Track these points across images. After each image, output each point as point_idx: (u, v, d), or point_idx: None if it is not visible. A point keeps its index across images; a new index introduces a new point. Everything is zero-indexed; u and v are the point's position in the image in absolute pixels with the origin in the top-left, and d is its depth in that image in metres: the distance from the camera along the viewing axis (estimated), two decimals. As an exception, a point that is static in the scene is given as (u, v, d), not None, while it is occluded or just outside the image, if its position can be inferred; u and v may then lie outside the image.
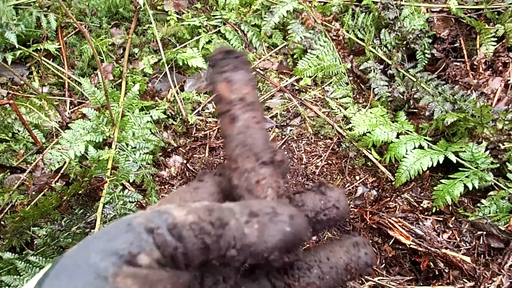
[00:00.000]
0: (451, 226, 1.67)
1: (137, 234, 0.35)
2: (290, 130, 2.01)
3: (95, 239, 0.35)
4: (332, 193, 0.47)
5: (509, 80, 1.95)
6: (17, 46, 2.00)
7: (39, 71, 2.13)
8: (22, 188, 1.73)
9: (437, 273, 1.55)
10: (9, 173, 1.78)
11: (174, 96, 2.02)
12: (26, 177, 1.75)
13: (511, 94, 1.93)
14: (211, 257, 0.37)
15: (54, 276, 0.34)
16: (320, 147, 1.96)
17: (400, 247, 1.63)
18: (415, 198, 1.78)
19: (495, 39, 2.00)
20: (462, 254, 1.57)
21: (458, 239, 1.64)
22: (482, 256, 1.58)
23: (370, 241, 1.69)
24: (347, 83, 2.10)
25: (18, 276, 1.40)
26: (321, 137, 1.99)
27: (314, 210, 0.46)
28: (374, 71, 2.06)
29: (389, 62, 2.05)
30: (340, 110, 2.03)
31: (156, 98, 2.06)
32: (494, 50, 1.99)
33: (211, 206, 0.38)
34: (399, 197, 1.77)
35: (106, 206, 1.60)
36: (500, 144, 1.73)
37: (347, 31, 2.16)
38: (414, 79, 1.97)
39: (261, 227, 0.39)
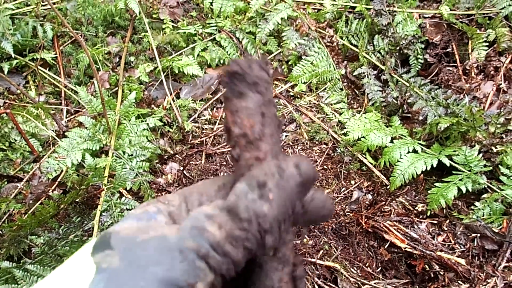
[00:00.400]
0: (445, 229, 1.69)
1: (191, 262, 0.35)
2: (286, 135, 2.03)
3: (149, 265, 0.35)
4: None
5: (500, 84, 1.97)
6: (13, 55, 2.01)
7: (36, 80, 2.14)
8: (19, 197, 1.74)
9: (432, 275, 1.57)
10: (6, 182, 1.79)
11: (170, 103, 2.04)
12: (23, 186, 1.76)
13: (503, 98, 1.95)
14: (254, 252, 0.38)
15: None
16: (316, 152, 1.97)
17: (396, 250, 1.65)
18: (410, 201, 1.79)
19: (487, 44, 2.03)
20: (457, 256, 1.58)
21: (453, 241, 1.65)
22: (476, 258, 1.60)
23: (366, 245, 1.70)
24: (341, 89, 2.12)
25: (16, 285, 1.40)
26: (316, 142, 2.00)
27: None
28: (368, 77, 2.08)
29: (383, 67, 2.07)
30: (335, 116, 2.05)
31: (153, 105, 2.07)
32: (485, 55, 2.02)
33: (227, 207, 0.38)
34: (394, 201, 1.79)
35: (103, 213, 1.61)
36: (493, 147, 1.75)
37: (341, 38, 2.18)
38: (408, 84, 2.00)
39: (276, 195, 0.38)
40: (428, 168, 1.72)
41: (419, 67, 2.08)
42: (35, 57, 2.11)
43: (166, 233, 0.37)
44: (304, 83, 2.14)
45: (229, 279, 0.38)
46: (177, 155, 1.96)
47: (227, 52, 2.19)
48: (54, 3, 2.21)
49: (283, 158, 0.42)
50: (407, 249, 1.60)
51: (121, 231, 0.38)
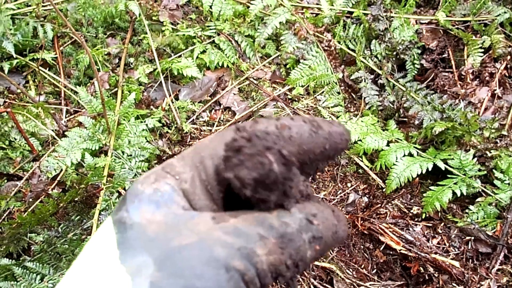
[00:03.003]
0: (440, 231, 1.71)
1: (237, 284, 0.33)
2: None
3: (193, 279, 0.32)
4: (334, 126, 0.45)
5: (495, 90, 2.01)
6: (14, 55, 2.02)
7: (36, 80, 2.15)
8: (19, 195, 1.75)
9: (427, 277, 1.59)
10: (6, 181, 1.80)
11: (169, 105, 2.06)
12: (23, 184, 1.77)
13: (498, 104, 1.98)
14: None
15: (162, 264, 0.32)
16: (313, 155, 1.99)
17: (391, 252, 1.67)
18: (405, 204, 1.82)
19: (482, 50, 2.06)
20: (451, 259, 1.61)
21: (447, 244, 1.68)
22: (470, 260, 1.62)
23: (362, 246, 1.72)
24: (338, 93, 2.15)
25: (15, 282, 1.41)
26: (314, 145, 2.02)
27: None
28: (365, 81, 2.11)
29: (380, 72, 2.10)
30: (332, 119, 2.07)
31: (152, 106, 2.09)
32: (481, 61, 2.05)
33: (282, 234, 0.36)
34: (389, 204, 1.81)
35: (102, 213, 1.62)
36: (487, 152, 1.78)
37: (339, 42, 2.21)
38: (404, 89, 2.02)
39: (321, 249, 0.38)
40: (424, 172, 1.75)
41: (416, 72, 2.11)
42: (35, 57, 2.12)
43: (206, 238, 0.34)
44: (302, 86, 2.16)
45: None
46: (175, 156, 1.97)
47: (226, 55, 2.21)
48: (55, 4, 2.23)
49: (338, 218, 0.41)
50: (402, 251, 1.63)
51: (146, 225, 0.36)
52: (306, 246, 0.36)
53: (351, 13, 2.26)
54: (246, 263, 0.34)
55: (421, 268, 1.60)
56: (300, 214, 0.38)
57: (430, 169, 1.75)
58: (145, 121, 1.93)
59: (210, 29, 2.26)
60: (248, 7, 2.20)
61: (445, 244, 1.68)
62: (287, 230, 0.36)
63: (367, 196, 1.87)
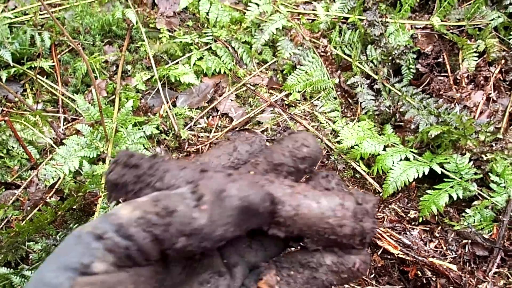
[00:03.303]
0: (437, 235, 1.72)
1: (87, 244, 0.35)
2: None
3: (49, 258, 0.35)
4: (299, 135, 0.49)
5: (490, 93, 2.02)
6: (11, 63, 2.03)
7: (33, 88, 2.16)
8: (17, 204, 1.75)
9: (424, 281, 1.59)
10: (4, 189, 1.81)
11: (167, 111, 2.07)
12: (21, 193, 1.78)
13: (493, 107, 1.99)
14: (165, 247, 0.37)
15: None
16: (310, 160, 2.00)
17: (389, 256, 1.68)
18: (402, 208, 1.82)
19: (477, 54, 2.07)
20: (449, 262, 1.61)
21: (444, 248, 1.68)
22: (467, 264, 1.63)
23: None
24: (335, 98, 2.16)
25: (14, 290, 1.42)
26: (311, 150, 2.03)
27: (281, 156, 0.48)
28: (361, 86, 2.12)
29: (376, 77, 2.11)
30: (329, 124, 2.08)
31: (149, 113, 2.10)
32: (475, 65, 2.07)
33: (158, 195, 0.38)
34: (386, 208, 1.82)
35: (100, 220, 1.62)
36: (483, 155, 1.79)
37: (335, 47, 2.23)
38: (400, 93, 2.04)
39: (210, 209, 0.38)
40: (420, 176, 1.76)
41: (411, 76, 2.12)
42: (33, 66, 2.13)
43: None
44: (299, 92, 2.17)
45: (155, 267, 0.38)
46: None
47: (223, 61, 2.23)
48: (52, 12, 2.24)
49: (234, 179, 0.41)
50: (400, 256, 1.63)
51: None
52: (189, 207, 0.37)
53: (347, 18, 2.27)
54: (98, 224, 0.36)
55: (419, 272, 1.61)
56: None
57: (426, 173, 1.76)
58: (142, 128, 1.94)
59: (207, 35, 2.27)
60: (245, 13, 2.21)
61: (442, 248, 1.69)
62: (165, 192, 0.39)
63: (365, 200, 1.87)
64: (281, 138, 0.50)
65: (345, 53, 2.22)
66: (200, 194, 0.38)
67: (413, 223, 1.78)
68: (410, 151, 1.85)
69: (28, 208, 1.71)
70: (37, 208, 1.70)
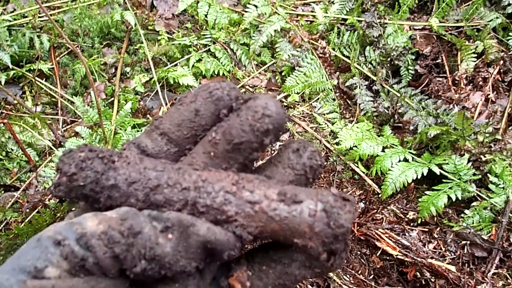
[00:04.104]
0: (436, 236, 1.72)
1: (44, 248, 0.35)
2: (279, 145, 2.06)
3: (10, 259, 0.36)
4: (258, 102, 0.42)
5: (489, 94, 2.02)
6: (10, 66, 2.04)
7: (32, 90, 2.16)
8: (16, 206, 1.75)
9: (423, 282, 1.59)
10: (3, 191, 1.81)
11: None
12: (20, 195, 1.78)
13: (491, 108, 2.00)
14: (125, 267, 0.36)
15: None
16: (309, 162, 2.00)
17: (388, 257, 1.68)
18: (401, 209, 1.82)
19: (475, 55, 2.07)
20: (447, 263, 1.61)
21: (443, 249, 1.68)
22: (466, 265, 1.63)
23: (359, 252, 1.73)
24: (333, 99, 2.16)
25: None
26: (310, 151, 2.03)
27: (242, 132, 0.42)
28: (359, 87, 2.12)
29: (374, 78, 2.11)
30: (328, 125, 2.08)
31: (148, 115, 2.10)
32: (474, 66, 2.07)
33: (127, 213, 0.38)
34: (385, 209, 1.82)
35: (99, 222, 1.62)
36: (482, 156, 1.79)
37: (333, 49, 2.23)
38: (399, 95, 2.04)
39: (176, 239, 0.37)
40: (419, 177, 1.76)
41: (410, 77, 2.12)
42: (32, 68, 2.13)
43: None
44: (297, 93, 2.17)
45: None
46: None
47: (221, 63, 2.23)
48: (50, 15, 2.25)
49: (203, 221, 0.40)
50: (398, 257, 1.63)
51: None
52: (155, 231, 0.37)
53: (345, 20, 2.27)
54: (62, 231, 0.36)
55: (418, 273, 1.61)
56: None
57: (425, 174, 1.76)
58: (141, 130, 1.94)
59: (206, 37, 2.28)
60: (243, 15, 2.22)
61: (441, 249, 1.69)
62: (133, 212, 0.38)
63: (363, 201, 1.87)
64: (238, 107, 0.44)
65: (343, 55, 2.22)
66: (170, 222, 0.38)
67: (412, 224, 1.78)
68: (409, 152, 1.85)
69: (27, 210, 1.71)
70: (36, 210, 1.70)
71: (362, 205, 1.86)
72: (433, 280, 1.58)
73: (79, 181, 0.40)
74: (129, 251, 0.36)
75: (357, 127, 1.99)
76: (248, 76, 2.25)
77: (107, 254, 0.36)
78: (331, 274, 1.63)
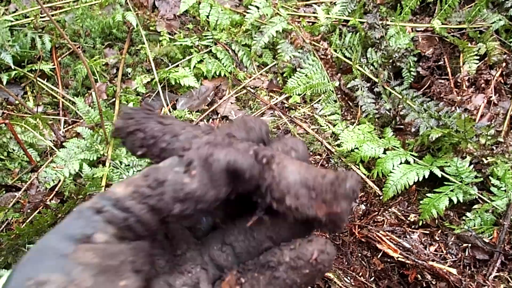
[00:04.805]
0: (437, 239, 1.71)
1: (88, 217, 0.37)
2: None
3: (52, 231, 0.38)
4: (290, 139, 0.49)
5: (491, 96, 2.01)
6: (12, 66, 2.04)
7: (34, 91, 2.17)
8: (17, 206, 1.76)
9: (424, 285, 1.59)
10: (4, 192, 1.81)
11: (167, 114, 2.06)
12: (21, 195, 1.78)
13: (494, 110, 1.99)
14: (163, 215, 0.39)
15: (20, 267, 0.36)
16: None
17: (389, 260, 1.67)
18: (402, 212, 1.82)
19: (478, 57, 2.07)
20: (449, 266, 1.61)
21: (445, 251, 1.68)
22: (467, 267, 1.63)
23: (359, 254, 1.73)
24: (335, 101, 2.16)
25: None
26: (311, 153, 2.03)
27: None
28: (361, 89, 2.12)
29: (376, 80, 2.11)
30: (329, 127, 2.08)
31: (149, 116, 2.10)
32: (476, 68, 2.06)
33: (147, 170, 0.41)
34: (386, 211, 1.81)
35: (100, 223, 1.62)
36: (484, 159, 1.78)
37: (335, 50, 2.22)
38: (400, 96, 2.03)
39: (200, 173, 0.40)
40: (420, 179, 1.75)
41: (412, 79, 2.12)
42: (33, 68, 2.13)
43: None
44: (299, 95, 2.17)
45: (150, 239, 0.41)
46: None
47: (223, 64, 2.23)
48: (52, 15, 2.25)
49: (221, 148, 0.43)
50: (399, 259, 1.63)
51: None
52: (179, 174, 0.40)
53: (347, 21, 2.27)
54: (96, 199, 0.39)
55: (419, 276, 1.60)
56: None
57: (426, 177, 1.76)
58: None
59: (207, 38, 2.28)
60: (245, 16, 2.22)
61: (442, 252, 1.68)
62: (154, 166, 0.41)
63: (364, 203, 1.87)
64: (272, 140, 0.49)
65: (345, 56, 2.22)
66: (189, 161, 0.41)
67: (413, 227, 1.77)
68: (411, 154, 1.84)
69: (29, 211, 1.71)
70: (37, 210, 1.70)
71: (363, 207, 1.86)
72: (434, 282, 1.57)
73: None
74: (162, 199, 0.39)
75: (359, 129, 1.98)
76: (250, 77, 2.25)
77: (144, 210, 0.38)
78: (331, 275, 1.63)
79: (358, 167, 1.94)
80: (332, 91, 2.16)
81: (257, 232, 0.48)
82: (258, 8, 2.17)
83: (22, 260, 0.37)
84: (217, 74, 2.22)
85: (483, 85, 2.05)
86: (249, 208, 0.48)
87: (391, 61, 2.11)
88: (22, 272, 0.35)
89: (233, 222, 0.50)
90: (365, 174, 1.92)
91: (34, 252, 0.37)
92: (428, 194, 1.76)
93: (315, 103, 2.17)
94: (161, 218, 0.40)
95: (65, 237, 0.36)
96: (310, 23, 2.35)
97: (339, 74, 2.22)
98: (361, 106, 2.11)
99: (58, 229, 0.38)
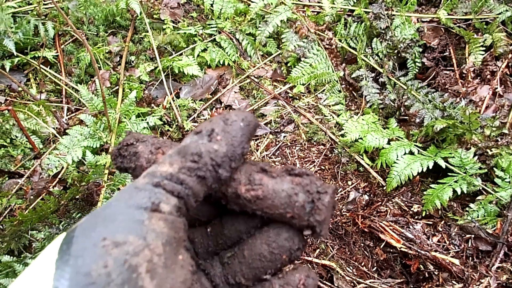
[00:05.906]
0: (440, 229, 1.71)
1: (150, 189, 0.39)
2: (284, 136, 2.05)
3: (114, 202, 0.38)
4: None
5: (496, 88, 2.00)
6: (15, 53, 2.03)
7: (37, 78, 2.16)
8: (20, 193, 1.76)
9: (427, 275, 1.59)
10: (7, 178, 1.81)
11: (170, 103, 2.06)
12: (24, 182, 1.78)
13: (499, 102, 1.98)
14: (209, 183, 0.43)
15: (85, 230, 0.36)
16: (313, 153, 2.00)
17: (391, 250, 1.67)
18: (406, 202, 1.82)
19: (483, 48, 2.05)
20: (451, 256, 1.60)
21: (447, 242, 1.68)
22: (470, 258, 1.62)
23: (362, 244, 1.72)
24: (339, 91, 2.15)
25: (16, 279, 1.42)
26: (314, 143, 2.03)
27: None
28: (366, 79, 2.11)
29: (381, 70, 2.10)
30: (333, 117, 2.07)
31: (153, 105, 2.09)
32: (482, 59, 2.05)
33: (178, 150, 0.43)
34: (390, 202, 1.81)
35: (103, 210, 1.62)
36: (488, 150, 1.77)
37: (340, 40, 2.21)
38: (405, 87, 2.02)
39: (223, 136, 0.44)
40: (424, 170, 1.75)
41: (417, 70, 2.11)
42: (36, 55, 2.12)
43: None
44: (303, 84, 2.16)
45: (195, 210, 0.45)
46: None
47: (227, 53, 2.22)
48: (56, 2, 2.23)
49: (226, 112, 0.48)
50: (402, 249, 1.63)
51: None
52: (207, 144, 0.44)
53: (352, 11, 2.26)
54: (149, 177, 0.40)
55: (421, 266, 1.60)
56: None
57: (430, 167, 1.75)
58: (146, 119, 1.93)
59: (211, 27, 2.26)
60: (249, 5, 2.20)
61: (445, 242, 1.68)
62: (181, 144, 0.45)
63: (368, 194, 1.87)
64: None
65: (350, 46, 2.21)
66: (209, 130, 0.45)
67: (416, 217, 1.77)
68: (415, 145, 1.83)
69: (31, 197, 1.71)
70: (40, 197, 1.70)
71: (366, 197, 1.86)
72: (436, 273, 1.57)
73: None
74: (207, 169, 0.42)
75: (363, 119, 1.98)
76: (254, 67, 2.24)
77: (195, 181, 0.42)
78: (334, 265, 1.63)
79: (361, 157, 1.93)
80: (337, 81, 2.15)
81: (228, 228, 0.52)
82: (262, -4, 2.16)
83: (82, 224, 0.37)
84: (221, 63, 2.21)
85: (488, 76, 2.03)
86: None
87: (396, 51, 2.10)
88: (93, 233, 0.35)
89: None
90: (368, 165, 1.91)
91: (97, 218, 0.37)
92: (432, 185, 1.76)
93: (319, 93, 2.16)
94: (207, 188, 0.43)
95: (134, 206, 0.37)
96: (315, 13, 2.33)
97: (343, 64, 2.21)
98: (365, 96, 2.10)
99: (119, 200, 0.38)
